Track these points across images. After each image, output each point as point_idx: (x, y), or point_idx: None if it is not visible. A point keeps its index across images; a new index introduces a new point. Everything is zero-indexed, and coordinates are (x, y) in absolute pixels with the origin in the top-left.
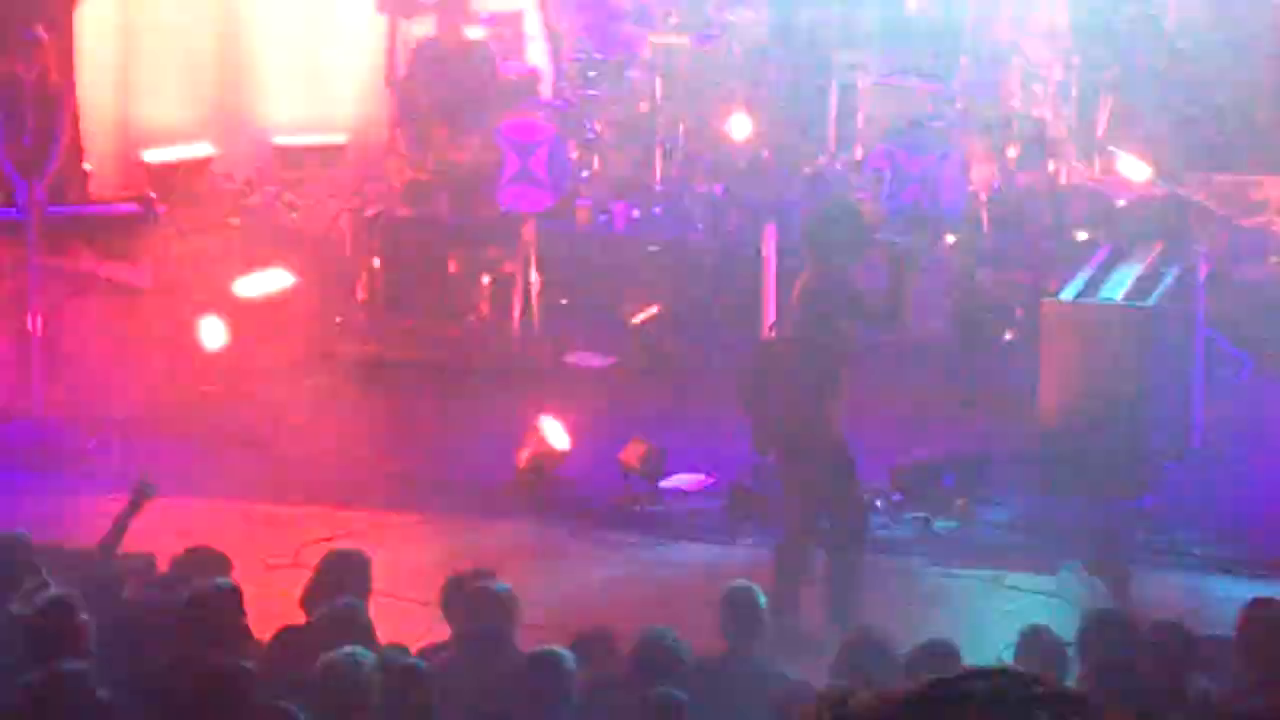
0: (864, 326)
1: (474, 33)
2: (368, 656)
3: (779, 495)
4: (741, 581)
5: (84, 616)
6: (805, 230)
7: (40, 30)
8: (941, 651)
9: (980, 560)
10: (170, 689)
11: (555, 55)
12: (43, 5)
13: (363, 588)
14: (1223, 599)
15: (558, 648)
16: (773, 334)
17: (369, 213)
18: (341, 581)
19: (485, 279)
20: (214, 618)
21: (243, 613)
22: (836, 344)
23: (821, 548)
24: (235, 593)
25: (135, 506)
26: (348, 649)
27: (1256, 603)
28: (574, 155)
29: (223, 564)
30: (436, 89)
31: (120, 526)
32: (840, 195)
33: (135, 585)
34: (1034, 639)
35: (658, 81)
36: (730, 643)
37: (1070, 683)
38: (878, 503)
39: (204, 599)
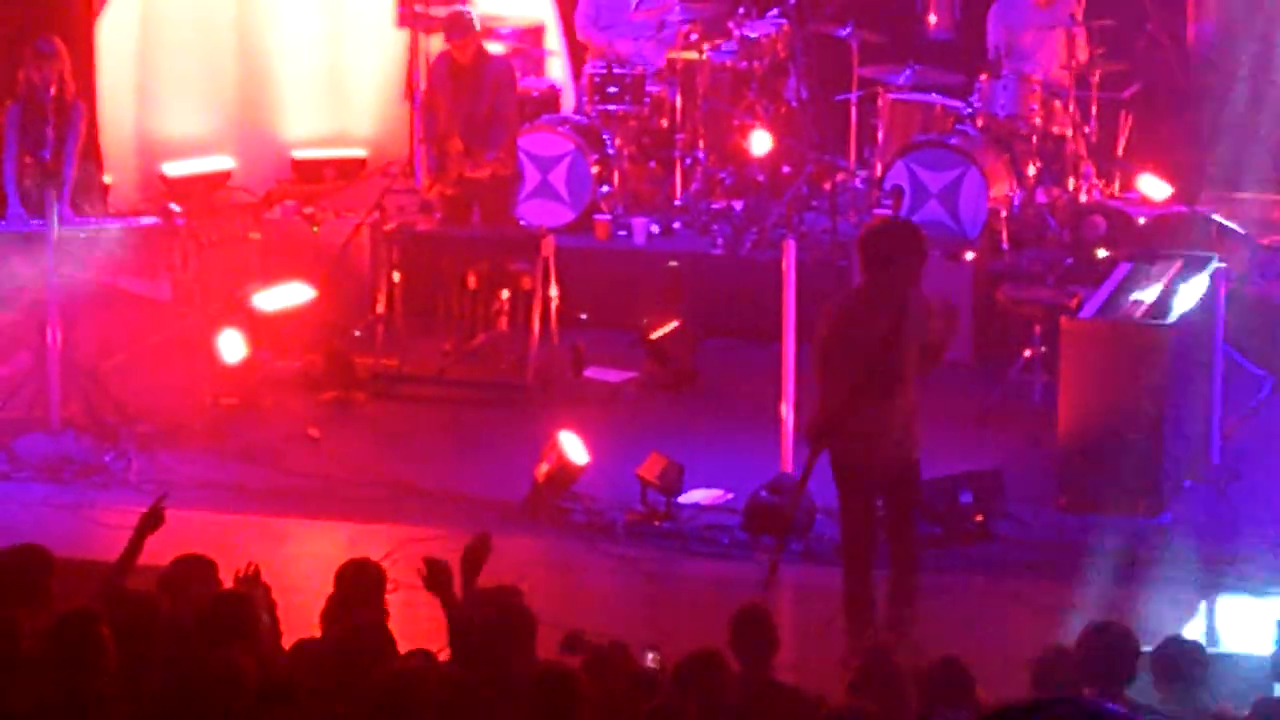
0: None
1: (493, 48)
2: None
3: (802, 509)
4: (753, 599)
5: (105, 629)
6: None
7: (58, 41)
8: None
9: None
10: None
11: (575, 70)
12: (62, 17)
13: (378, 600)
14: (1240, 617)
15: (569, 666)
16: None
17: (388, 226)
18: (358, 593)
19: (504, 294)
20: (234, 622)
21: (258, 619)
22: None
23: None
24: (246, 599)
25: (146, 528)
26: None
27: None
28: (594, 170)
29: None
30: (453, 105)
31: (136, 542)
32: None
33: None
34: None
35: (678, 97)
36: (742, 662)
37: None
38: None
39: (225, 603)
